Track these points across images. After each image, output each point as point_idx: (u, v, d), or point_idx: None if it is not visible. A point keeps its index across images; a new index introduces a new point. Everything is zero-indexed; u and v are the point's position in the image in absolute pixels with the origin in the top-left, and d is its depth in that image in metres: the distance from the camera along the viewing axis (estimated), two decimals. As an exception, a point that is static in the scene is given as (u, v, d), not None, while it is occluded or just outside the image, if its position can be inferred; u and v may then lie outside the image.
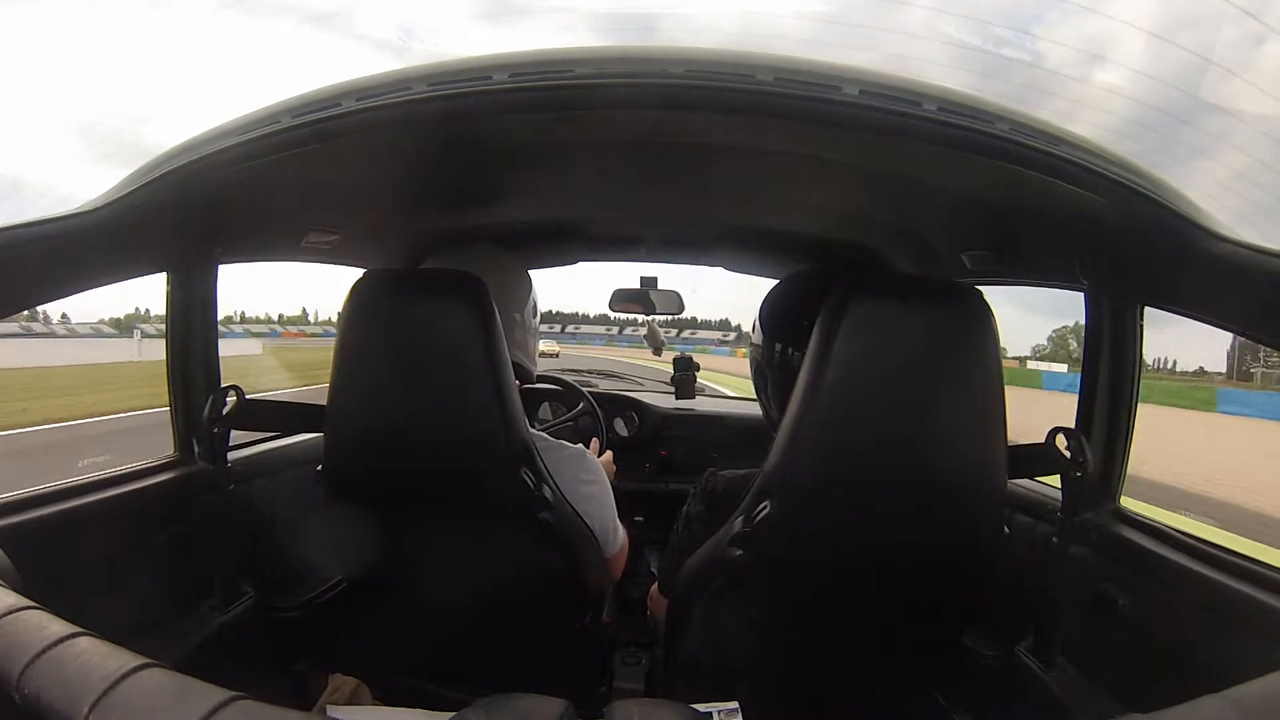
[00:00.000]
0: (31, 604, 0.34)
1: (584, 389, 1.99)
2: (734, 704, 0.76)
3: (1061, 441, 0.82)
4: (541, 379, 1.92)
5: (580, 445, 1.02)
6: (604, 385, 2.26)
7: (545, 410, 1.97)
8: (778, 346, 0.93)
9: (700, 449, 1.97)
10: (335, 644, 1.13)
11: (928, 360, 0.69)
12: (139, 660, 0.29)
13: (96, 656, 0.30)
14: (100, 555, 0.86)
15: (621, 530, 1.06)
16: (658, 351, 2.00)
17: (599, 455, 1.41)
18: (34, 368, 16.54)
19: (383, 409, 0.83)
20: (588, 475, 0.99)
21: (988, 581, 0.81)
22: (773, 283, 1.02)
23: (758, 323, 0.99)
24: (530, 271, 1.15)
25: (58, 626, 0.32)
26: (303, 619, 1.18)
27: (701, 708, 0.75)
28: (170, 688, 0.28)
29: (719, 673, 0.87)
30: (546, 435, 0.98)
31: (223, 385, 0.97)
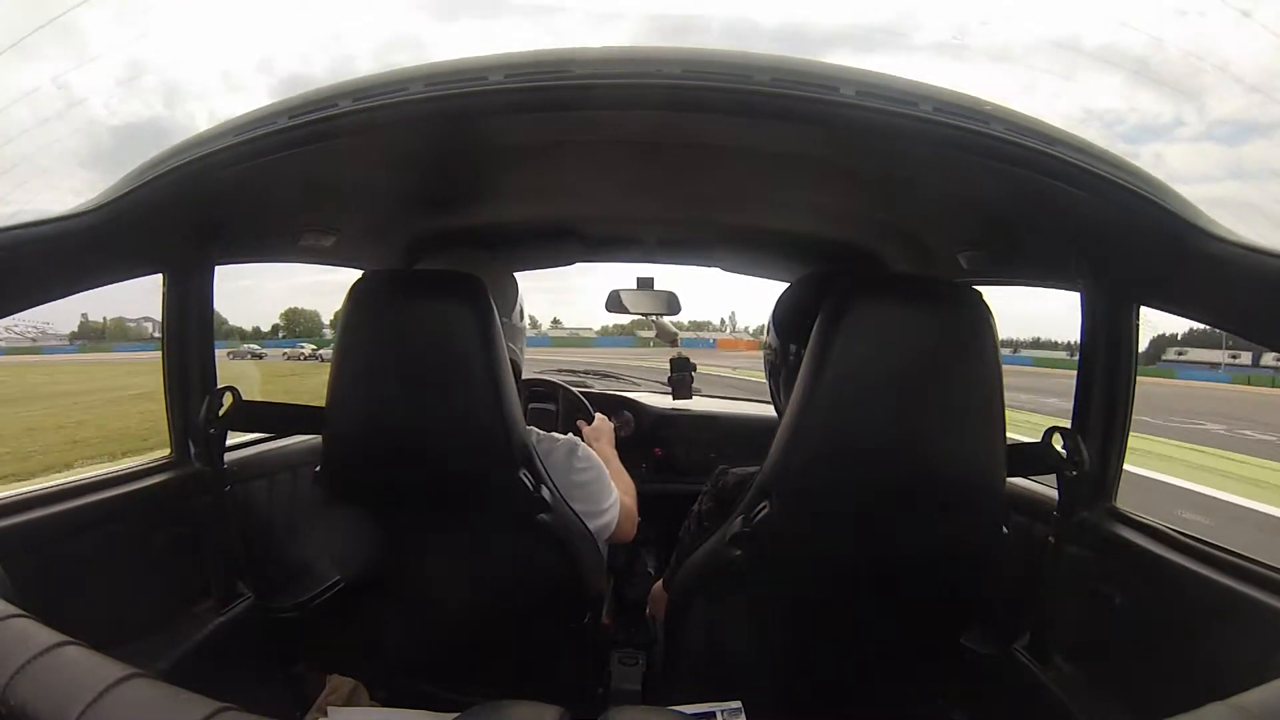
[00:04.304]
0: (18, 612, 0.33)
1: (578, 389, 1.99)
2: (737, 703, 0.76)
3: (1058, 440, 0.83)
4: (530, 382, 1.94)
5: (571, 436, 1.02)
6: (599, 385, 2.26)
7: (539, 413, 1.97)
8: (792, 347, 0.94)
9: (697, 449, 1.97)
10: (333, 645, 1.13)
11: (927, 360, 0.69)
12: (126, 670, 0.29)
13: (83, 666, 0.29)
14: (96, 557, 0.86)
15: (619, 500, 1.04)
16: (673, 344, 2.02)
17: (590, 423, 1.44)
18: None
19: (382, 410, 0.83)
20: (581, 464, 0.99)
21: (986, 581, 0.81)
22: (768, 283, 1.02)
23: (771, 324, 0.99)
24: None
25: (44, 635, 0.31)
26: (300, 620, 1.17)
27: (705, 707, 0.75)
28: (157, 698, 0.28)
29: (718, 673, 0.87)
30: (539, 430, 0.99)
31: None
